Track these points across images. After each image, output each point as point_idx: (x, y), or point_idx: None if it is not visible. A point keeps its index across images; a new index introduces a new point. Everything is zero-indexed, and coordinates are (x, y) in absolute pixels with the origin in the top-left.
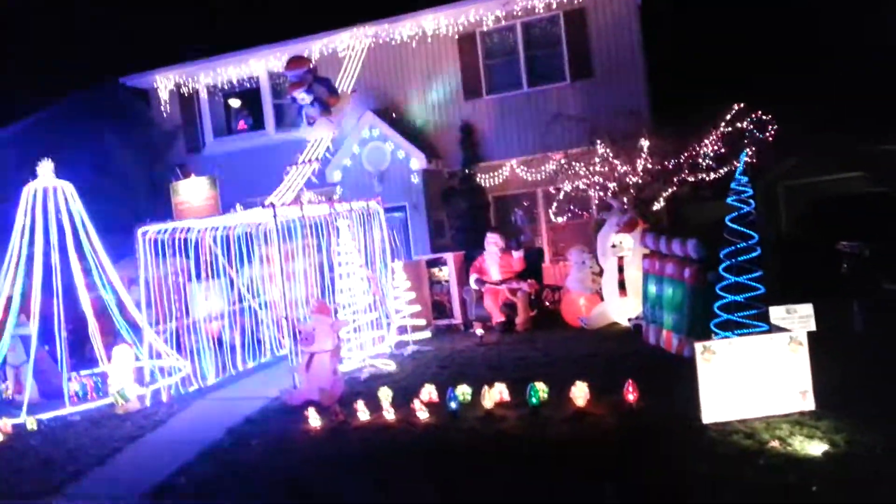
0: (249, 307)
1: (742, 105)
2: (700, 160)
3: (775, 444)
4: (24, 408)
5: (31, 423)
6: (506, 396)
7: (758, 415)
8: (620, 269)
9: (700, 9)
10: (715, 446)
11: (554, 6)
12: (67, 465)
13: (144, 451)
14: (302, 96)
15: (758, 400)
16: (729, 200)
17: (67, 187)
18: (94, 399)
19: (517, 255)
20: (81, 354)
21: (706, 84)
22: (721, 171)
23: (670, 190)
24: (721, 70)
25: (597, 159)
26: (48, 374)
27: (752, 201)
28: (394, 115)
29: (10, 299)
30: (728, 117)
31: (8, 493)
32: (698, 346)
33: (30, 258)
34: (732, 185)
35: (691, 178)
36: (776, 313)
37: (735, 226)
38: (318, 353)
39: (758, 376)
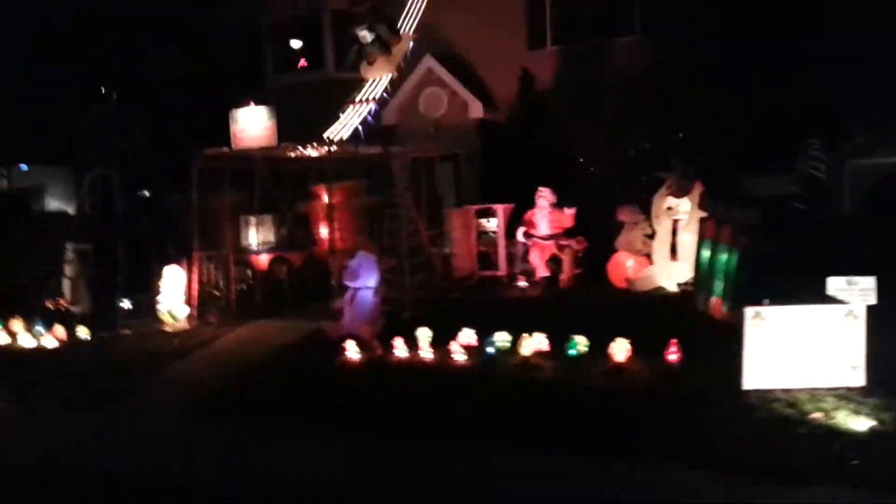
0: (297, 243)
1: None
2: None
3: (818, 415)
4: (79, 318)
5: (84, 333)
6: (544, 347)
7: (802, 385)
8: (674, 233)
9: None
10: (754, 411)
11: None
12: (116, 376)
13: (188, 368)
14: (363, 34)
15: (804, 370)
16: (799, 164)
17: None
18: (145, 317)
19: (569, 211)
20: (136, 275)
21: (780, 41)
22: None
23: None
24: (790, 30)
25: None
26: (104, 288)
27: (822, 166)
28: (455, 60)
29: (68, 217)
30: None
31: (61, 398)
32: (749, 310)
33: (93, 179)
34: (803, 151)
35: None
36: (835, 284)
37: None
38: (361, 289)
39: (808, 347)
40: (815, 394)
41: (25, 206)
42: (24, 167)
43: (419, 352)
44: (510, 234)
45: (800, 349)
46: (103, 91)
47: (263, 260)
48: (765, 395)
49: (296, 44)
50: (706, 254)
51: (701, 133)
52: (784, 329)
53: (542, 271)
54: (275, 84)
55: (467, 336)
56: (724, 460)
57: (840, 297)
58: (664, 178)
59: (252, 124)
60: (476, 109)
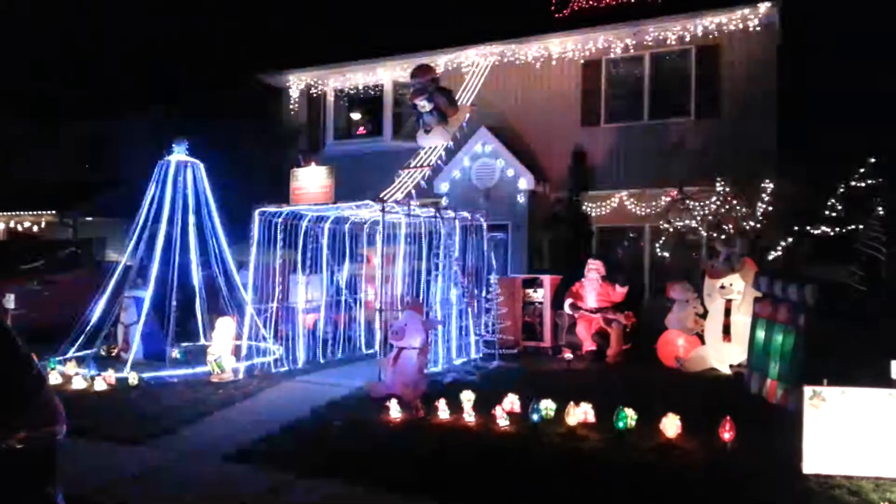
0: (345, 303)
1: (877, 160)
2: (826, 212)
3: None
4: (129, 364)
5: (133, 379)
6: (591, 418)
7: (866, 473)
8: (727, 313)
9: (844, 54)
10: (813, 497)
11: (687, 40)
12: (161, 420)
13: (232, 417)
14: (422, 104)
15: (868, 458)
16: (858, 245)
17: (198, 165)
18: (192, 367)
19: (621, 289)
20: (185, 326)
21: (842, 133)
22: (848, 227)
23: (789, 240)
24: (862, 121)
25: (714, 198)
26: (154, 337)
27: (883, 248)
28: (508, 133)
29: (128, 267)
30: (861, 171)
31: (108, 436)
32: (807, 389)
33: (154, 228)
34: (866, 232)
35: (815, 232)
36: None
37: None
38: (406, 349)
39: (871, 433)
40: (880, 483)
41: (87, 254)
42: (88, 218)
43: (462, 415)
44: (556, 305)
45: (863, 434)
46: (174, 148)
47: (311, 318)
48: (825, 481)
49: (356, 112)
50: (761, 334)
51: (758, 213)
52: (846, 412)
53: (589, 345)
54: (333, 150)
55: (511, 402)
56: None
57: None
58: (720, 251)
59: (311, 182)
60: (527, 181)
